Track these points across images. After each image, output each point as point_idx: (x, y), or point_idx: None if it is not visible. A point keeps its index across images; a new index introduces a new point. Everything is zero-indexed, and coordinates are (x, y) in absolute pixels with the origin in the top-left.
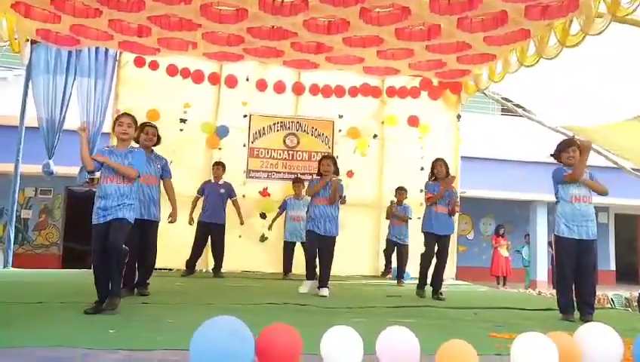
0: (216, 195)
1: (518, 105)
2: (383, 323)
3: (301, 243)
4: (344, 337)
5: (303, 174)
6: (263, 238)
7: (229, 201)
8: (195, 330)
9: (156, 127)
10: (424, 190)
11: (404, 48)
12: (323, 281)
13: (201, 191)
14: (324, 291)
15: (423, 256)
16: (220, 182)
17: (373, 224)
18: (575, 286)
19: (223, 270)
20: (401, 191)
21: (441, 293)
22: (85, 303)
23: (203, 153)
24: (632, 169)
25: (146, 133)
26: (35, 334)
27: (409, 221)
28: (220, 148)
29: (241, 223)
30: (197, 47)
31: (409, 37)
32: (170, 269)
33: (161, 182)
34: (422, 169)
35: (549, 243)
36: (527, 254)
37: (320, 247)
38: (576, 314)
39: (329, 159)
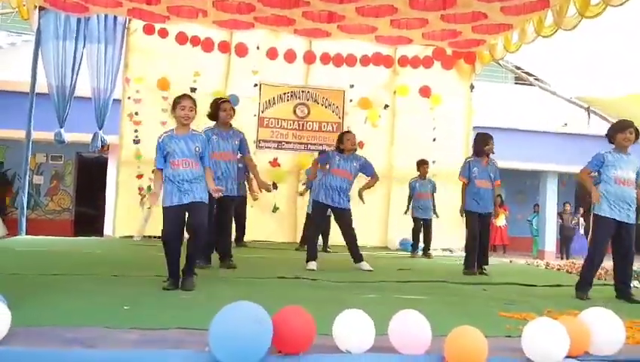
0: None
1: (529, 74)
2: (394, 300)
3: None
4: (356, 321)
5: (314, 144)
6: (274, 209)
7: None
8: (207, 307)
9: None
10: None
11: (419, 18)
12: (359, 255)
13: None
14: (367, 265)
15: (467, 237)
16: None
17: (383, 195)
18: (615, 268)
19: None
20: (423, 165)
21: (485, 269)
22: (99, 275)
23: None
24: None
25: (224, 110)
26: (52, 311)
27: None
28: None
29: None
30: (207, 15)
31: (424, 6)
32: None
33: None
34: (434, 140)
35: (559, 214)
36: (536, 224)
37: (339, 222)
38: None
39: (354, 136)
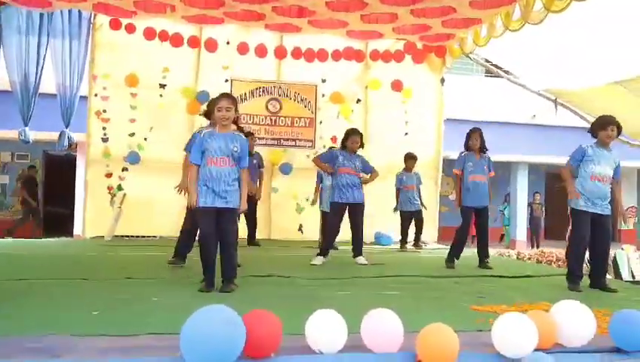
0: (250, 167)
1: (497, 66)
2: (368, 296)
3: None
4: (328, 321)
5: (286, 140)
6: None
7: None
8: (180, 311)
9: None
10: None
11: (389, 12)
12: (360, 249)
13: None
14: (363, 259)
15: (458, 230)
16: (252, 153)
17: None
18: (591, 259)
19: None
20: (410, 159)
21: (488, 262)
22: (67, 278)
23: (184, 119)
24: None
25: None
26: (16, 319)
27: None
28: (200, 114)
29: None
30: (175, 10)
31: (394, 1)
32: (155, 236)
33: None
34: (406, 134)
35: (530, 205)
36: (507, 214)
37: (352, 215)
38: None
39: (358, 136)
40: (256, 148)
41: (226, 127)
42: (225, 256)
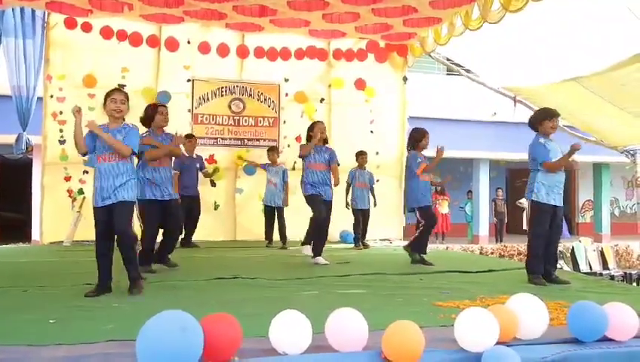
0: (193, 170)
1: (457, 65)
2: (333, 295)
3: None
4: (292, 322)
5: (250, 140)
6: (215, 206)
7: None
8: (140, 316)
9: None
10: (414, 162)
11: (350, 12)
12: (320, 251)
13: (177, 167)
14: (323, 259)
15: (428, 224)
16: (194, 155)
17: None
18: (544, 251)
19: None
20: (361, 155)
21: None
22: (22, 286)
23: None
24: (565, 126)
25: (161, 113)
26: None
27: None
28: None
29: None
30: (133, 8)
31: (355, 0)
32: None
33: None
34: (371, 132)
35: (494, 201)
36: (470, 210)
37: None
38: None
39: (324, 126)
40: (220, 149)
41: (118, 120)
42: (121, 254)
